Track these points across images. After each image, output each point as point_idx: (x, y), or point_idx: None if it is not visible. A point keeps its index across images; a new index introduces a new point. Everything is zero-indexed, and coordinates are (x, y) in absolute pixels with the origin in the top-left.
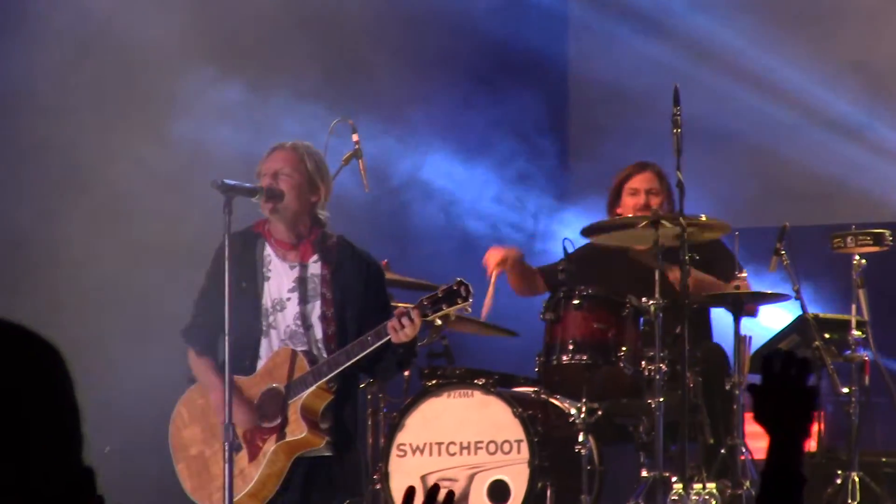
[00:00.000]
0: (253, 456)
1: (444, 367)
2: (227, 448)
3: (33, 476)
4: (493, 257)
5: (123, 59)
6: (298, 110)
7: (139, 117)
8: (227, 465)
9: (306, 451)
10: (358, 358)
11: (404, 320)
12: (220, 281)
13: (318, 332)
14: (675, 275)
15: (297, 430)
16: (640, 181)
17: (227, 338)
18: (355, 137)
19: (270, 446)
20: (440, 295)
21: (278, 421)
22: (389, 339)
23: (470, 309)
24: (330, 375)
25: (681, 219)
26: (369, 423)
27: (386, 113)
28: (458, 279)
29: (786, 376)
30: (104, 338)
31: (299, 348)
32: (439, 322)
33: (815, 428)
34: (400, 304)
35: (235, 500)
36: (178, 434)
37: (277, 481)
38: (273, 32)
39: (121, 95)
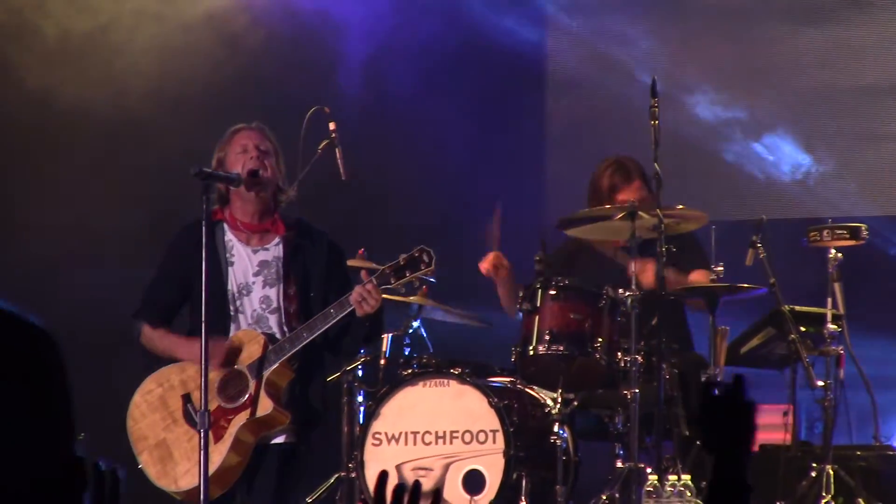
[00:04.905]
0: (218, 437)
1: (419, 356)
2: (202, 435)
3: (24, 464)
4: (489, 261)
5: None
6: None
7: None
8: (202, 453)
9: (270, 435)
10: (321, 331)
11: (369, 287)
12: (176, 270)
13: (283, 314)
14: (647, 277)
15: (264, 408)
16: (628, 193)
17: (203, 325)
18: (332, 125)
19: (236, 426)
20: (402, 263)
21: (243, 400)
22: (353, 313)
23: (434, 275)
24: (293, 351)
25: (658, 210)
26: (345, 410)
27: None
28: (420, 247)
29: (725, 399)
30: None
31: (266, 331)
32: (403, 290)
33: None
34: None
35: (199, 483)
36: (137, 426)
37: (241, 465)
38: None
39: None
